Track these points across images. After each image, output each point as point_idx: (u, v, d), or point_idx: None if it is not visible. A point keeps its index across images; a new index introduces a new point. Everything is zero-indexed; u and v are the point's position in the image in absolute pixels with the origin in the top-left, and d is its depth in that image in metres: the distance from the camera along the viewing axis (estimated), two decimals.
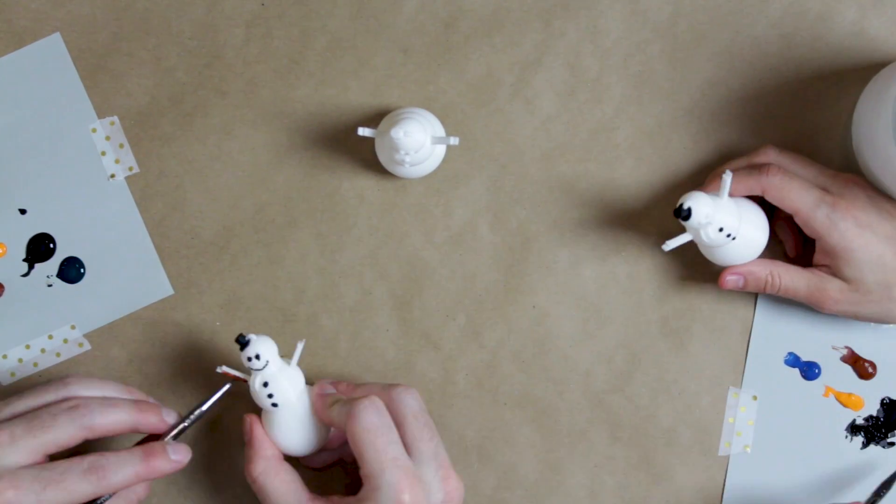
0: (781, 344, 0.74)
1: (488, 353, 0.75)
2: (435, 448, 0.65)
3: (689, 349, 0.74)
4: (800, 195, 0.67)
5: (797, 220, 0.68)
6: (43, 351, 0.74)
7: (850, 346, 0.74)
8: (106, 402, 0.63)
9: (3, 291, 0.74)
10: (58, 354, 0.74)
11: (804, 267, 0.70)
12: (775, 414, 0.74)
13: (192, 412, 0.69)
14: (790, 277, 0.69)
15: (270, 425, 0.67)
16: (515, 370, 0.75)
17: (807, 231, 0.68)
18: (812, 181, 0.69)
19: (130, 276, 0.74)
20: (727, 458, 0.74)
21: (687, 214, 0.65)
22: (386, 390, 0.66)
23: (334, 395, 0.67)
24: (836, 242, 0.67)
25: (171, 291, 0.75)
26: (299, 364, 0.68)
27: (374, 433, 0.63)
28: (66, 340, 0.74)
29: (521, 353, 0.75)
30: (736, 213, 0.67)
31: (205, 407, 0.69)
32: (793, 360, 0.74)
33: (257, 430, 0.67)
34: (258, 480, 0.65)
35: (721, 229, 0.66)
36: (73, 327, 0.74)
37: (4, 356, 0.74)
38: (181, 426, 0.68)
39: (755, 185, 0.68)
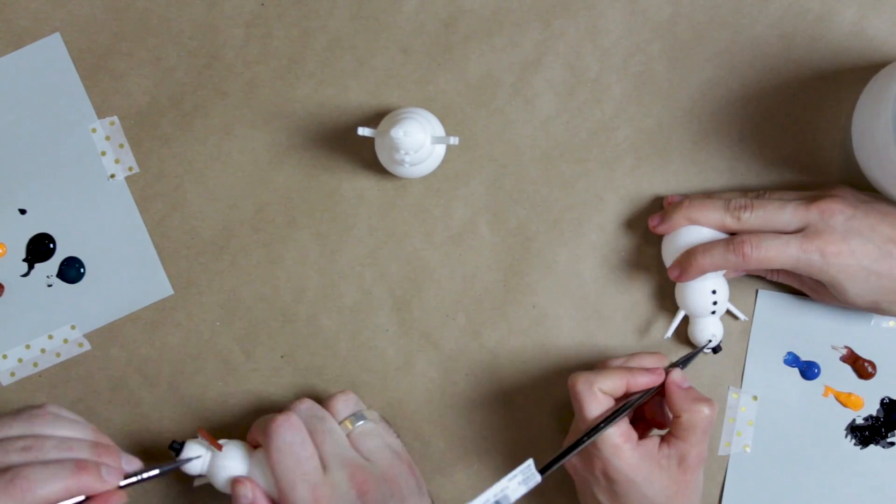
0: (781, 344, 0.74)
1: (488, 353, 0.75)
2: (335, 449, 0.67)
3: (689, 349, 0.74)
4: (779, 257, 0.67)
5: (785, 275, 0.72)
6: (43, 351, 0.74)
7: (849, 345, 0.74)
8: (62, 441, 0.61)
9: (3, 291, 0.74)
10: (58, 354, 0.74)
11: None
12: (775, 414, 0.74)
13: (149, 468, 0.65)
14: (783, 275, 0.72)
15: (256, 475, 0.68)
16: (515, 370, 0.75)
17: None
18: (788, 221, 0.68)
19: (130, 276, 0.74)
20: (727, 457, 0.74)
21: (717, 346, 0.73)
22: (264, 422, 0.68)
23: (260, 419, 0.69)
24: (817, 274, 0.67)
25: (171, 291, 0.75)
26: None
27: (284, 452, 0.65)
28: (66, 340, 0.74)
29: (521, 353, 0.75)
30: (706, 286, 0.71)
31: (157, 472, 0.65)
32: (792, 360, 0.74)
33: (254, 487, 0.68)
34: None
35: (713, 312, 0.71)
36: (73, 327, 0.74)
37: (4, 356, 0.74)
38: (132, 480, 0.63)
39: (730, 224, 0.69)
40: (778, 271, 0.72)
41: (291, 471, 0.65)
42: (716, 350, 0.72)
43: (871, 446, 0.74)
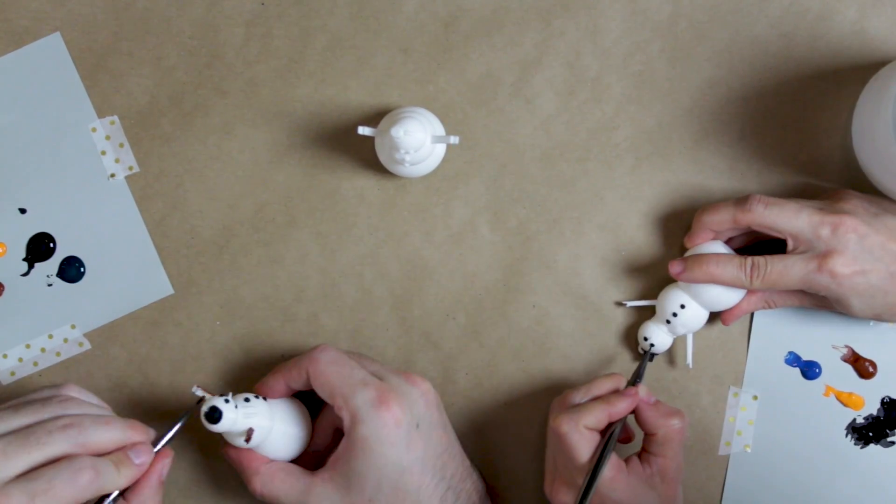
0: (782, 343, 0.74)
1: (488, 352, 0.75)
2: (388, 368, 0.68)
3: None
4: (787, 278, 0.67)
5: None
6: (43, 350, 0.74)
7: (850, 345, 0.74)
8: (99, 419, 0.62)
9: (3, 291, 0.74)
10: (58, 354, 0.74)
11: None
12: (776, 413, 0.74)
13: (170, 430, 0.67)
14: (783, 300, 0.71)
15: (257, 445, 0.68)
16: (515, 370, 0.75)
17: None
18: (799, 231, 0.67)
19: (130, 275, 0.74)
20: (727, 457, 0.74)
21: (651, 353, 0.73)
22: (302, 358, 0.68)
23: (280, 364, 0.69)
24: (825, 293, 0.67)
25: (171, 291, 0.75)
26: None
27: (337, 364, 0.66)
28: (66, 340, 0.74)
29: (521, 352, 0.75)
30: (676, 297, 0.71)
31: (180, 424, 0.67)
32: (793, 360, 0.74)
33: (241, 454, 0.67)
34: (263, 493, 0.67)
35: (668, 321, 0.72)
36: (73, 327, 0.74)
37: (5, 356, 0.74)
38: (161, 443, 0.66)
39: (740, 217, 0.68)
40: (778, 297, 0.71)
41: (348, 377, 0.65)
42: (651, 357, 0.72)
43: (872, 446, 0.73)
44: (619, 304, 0.74)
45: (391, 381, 0.66)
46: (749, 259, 0.68)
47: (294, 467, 0.67)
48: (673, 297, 0.71)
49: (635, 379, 0.70)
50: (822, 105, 0.74)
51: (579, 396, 0.69)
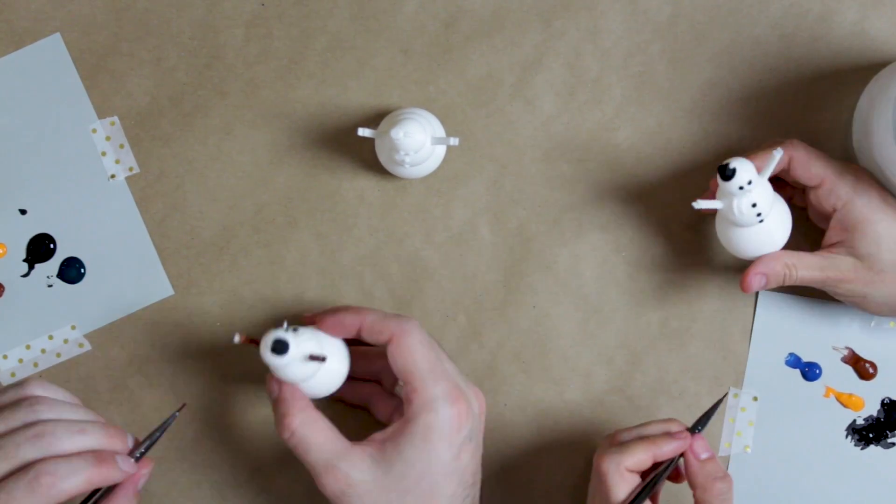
0: (782, 344, 0.74)
1: (488, 353, 0.75)
2: (458, 370, 0.65)
3: (689, 349, 0.74)
4: (826, 164, 0.67)
5: (821, 190, 0.68)
6: (43, 351, 0.74)
7: (850, 346, 0.74)
8: (72, 426, 0.59)
9: (3, 292, 0.74)
10: (58, 355, 0.75)
11: (814, 252, 0.68)
12: (776, 414, 0.74)
13: (150, 436, 0.64)
14: (805, 265, 0.68)
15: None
16: (515, 370, 0.75)
17: (826, 204, 0.68)
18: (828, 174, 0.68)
19: (131, 276, 0.75)
20: (727, 458, 0.74)
21: (731, 174, 0.63)
22: (392, 320, 0.64)
23: (368, 311, 0.64)
24: (858, 212, 0.67)
25: (171, 291, 0.75)
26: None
27: (427, 346, 0.62)
28: (66, 341, 0.74)
29: (521, 353, 0.75)
30: (772, 195, 0.66)
31: (160, 432, 0.64)
32: (793, 361, 0.74)
33: (285, 389, 0.63)
34: (297, 433, 0.62)
35: (754, 205, 0.65)
36: (73, 328, 0.74)
37: (5, 356, 0.74)
38: (140, 450, 0.63)
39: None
40: (801, 262, 0.68)
41: (435, 363, 0.62)
42: (728, 177, 0.65)
43: (872, 447, 0.73)
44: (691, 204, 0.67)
45: (462, 384, 0.64)
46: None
47: (335, 429, 0.63)
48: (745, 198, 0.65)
49: (697, 426, 0.67)
50: (823, 106, 0.73)
51: (627, 435, 0.66)
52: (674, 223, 0.74)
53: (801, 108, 0.74)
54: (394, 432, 0.62)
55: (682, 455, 0.65)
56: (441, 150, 0.72)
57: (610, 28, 0.74)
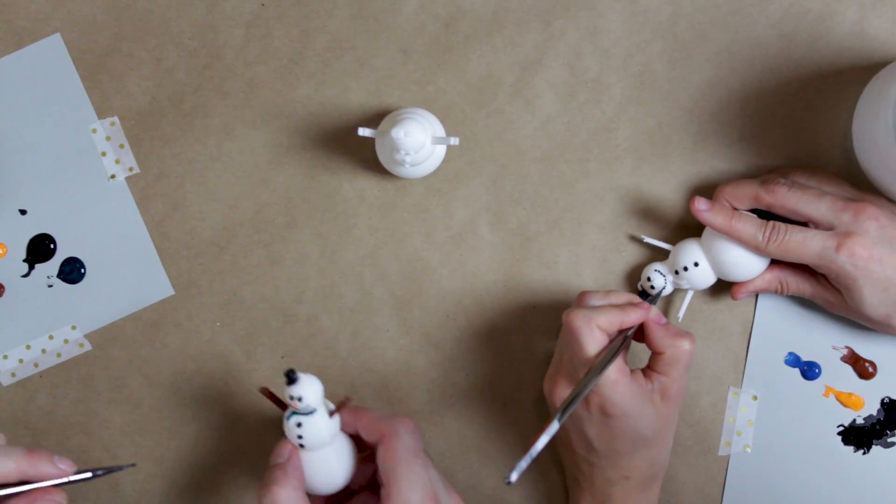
0: (782, 344, 0.74)
1: (488, 353, 0.75)
2: (446, 483, 0.64)
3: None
4: (804, 248, 0.67)
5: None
6: (44, 351, 0.74)
7: (850, 346, 0.74)
8: None
9: (3, 292, 0.74)
10: (58, 355, 0.75)
11: (811, 274, 0.70)
12: (775, 414, 0.74)
13: (92, 470, 0.61)
14: (797, 284, 0.71)
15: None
16: (515, 371, 0.75)
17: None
18: (822, 212, 0.67)
19: (131, 276, 0.75)
20: (727, 458, 0.74)
21: (655, 293, 0.72)
22: (385, 421, 0.64)
23: (366, 410, 0.64)
24: (838, 275, 0.67)
25: (171, 292, 0.75)
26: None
27: (412, 453, 0.61)
28: (66, 341, 0.74)
29: (521, 353, 0.75)
30: (693, 252, 0.71)
31: (100, 473, 0.61)
32: (793, 360, 0.74)
33: (296, 458, 0.62)
34: None
35: (677, 272, 0.72)
36: (73, 328, 0.74)
37: (5, 357, 0.74)
38: (72, 479, 0.60)
39: (763, 196, 0.68)
40: (793, 280, 0.71)
41: (416, 474, 0.61)
42: (653, 300, 0.72)
43: (872, 446, 0.73)
44: (635, 238, 0.74)
45: (441, 493, 0.62)
46: (771, 222, 0.68)
47: None
48: (690, 252, 0.71)
49: (651, 302, 0.71)
50: (822, 106, 0.74)
51: (596, 299, 0.69)
52: (673, 223, 0.74)
53: (801, 108, 0.74)
54: None
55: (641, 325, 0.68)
56: (441, 150, 0.72)
57: (610, 28, 0.74)
